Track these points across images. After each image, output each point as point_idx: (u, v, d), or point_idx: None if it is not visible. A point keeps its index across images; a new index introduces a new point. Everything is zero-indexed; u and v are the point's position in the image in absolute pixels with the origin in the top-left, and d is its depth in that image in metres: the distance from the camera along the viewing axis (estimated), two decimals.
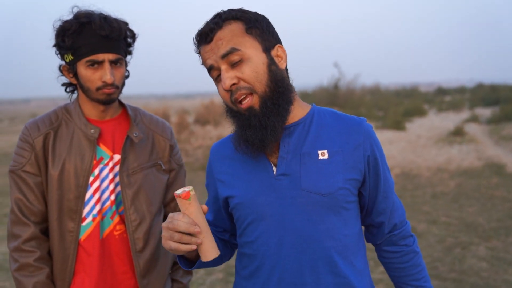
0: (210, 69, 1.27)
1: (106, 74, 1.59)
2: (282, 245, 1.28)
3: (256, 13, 1.29)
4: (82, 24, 1.57)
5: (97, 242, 1.65)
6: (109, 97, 1.64)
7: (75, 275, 1.66)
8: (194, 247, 1.19)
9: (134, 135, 1.70)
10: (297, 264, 1.27)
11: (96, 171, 1.66)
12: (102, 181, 1.67)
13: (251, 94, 1.24)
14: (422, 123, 14.62)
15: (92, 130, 1.65)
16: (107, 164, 1.68)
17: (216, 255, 1.23)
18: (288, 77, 1.32)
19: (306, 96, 26.84)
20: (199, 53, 1.30)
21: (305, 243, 1.27)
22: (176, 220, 1.18)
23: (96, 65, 1.60)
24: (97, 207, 1.65)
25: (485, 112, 18.94)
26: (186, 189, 1.20)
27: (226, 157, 1.39)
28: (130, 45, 1.71)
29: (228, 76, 1.23)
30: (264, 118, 1.24)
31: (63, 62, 1.68)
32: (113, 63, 1.62)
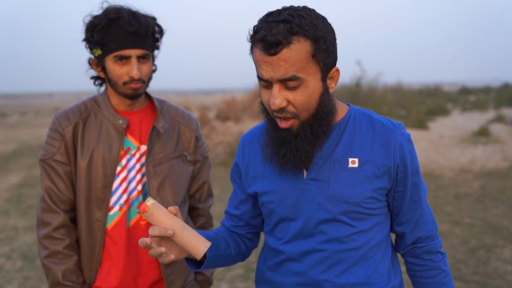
0: (261, 78, 1.22)
1: (133, 70, 1.61)
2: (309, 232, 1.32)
3: (326, 26, 1.22)
4: (110, 20, 1.60)
5: (124, 232, 1.68)
6: (135, 92, 1.66)
7: (102, 264, 1.69)
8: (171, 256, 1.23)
9: (160, 125, 1.72)
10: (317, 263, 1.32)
11: (124, 161, 1.69)
12: (129, 171, 1.69)
13: (294, 117, 1.24)
14: (445, 123, 14.39)
15: (121, 121, 1.68)
16: (134, 155, 1.71)
17: (206, 248, 1.24)
18: (332, 98, 1.30)
19: None
20: (251, 49, 1.24)
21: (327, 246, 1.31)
22: (149, 233, 1.21)
23: (123, 60, 1.62)
24: (124, 197, 1.68)
25: (511, 112, 18.56)
26: (149, 202, 1.21)
27: (257, 152, 1.40)
28: (157, 40, 1.73)
29: (280, 97, 1.20)
30: (298, 142, 1.25)
31: (92, 56, 1.70)
32: (141, 58, 1.64)
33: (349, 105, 1.37)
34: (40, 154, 1.69)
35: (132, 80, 1.63)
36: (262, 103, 1.29)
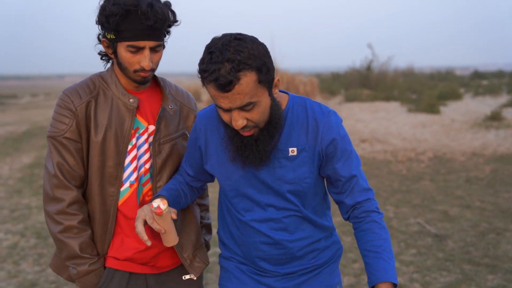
0: (221, 107, 1.42)
1: (146, 61, 1.63)
2: (257, 205, 1.63)
3: (260, 50, 1.40)
4: (128, 10, 1.57)
5: (135, 207, 1.73)
6: (144, 79, 1.69)
7: (114, 237, 1.74)
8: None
9: (170, 107, 1.76)
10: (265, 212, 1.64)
11: (134, 140, 1.72)
12: (138, 150, 1.73)
13: (254, 127, 1.48)
14: (457, 107, 14.26)
15: (131, 100, 1.70)
16: (142, 134, 1.74)
17: (175, 243, 1.60)
18: (277, 101, 1.52)
19: (338, 78, 26.54)
20: (204, 84, 1.42)
21: (269, 209, 1.63)
22: (150, 223, 1.52)
23: (136, 49, 1.62)
24: (134, 174, 1.73)
25: None
26: (161, 205, 1.48)
27: (214, 136, 1.64)
28: (170, 28, 1.73)
29: (240, 119, 1.42)
30: (259, 144, 1.50)
31: (101, 33, 1.69)
32: (153, 48, 1.65)
33: (287, 93, 1.59)
34: (49, 130, 1.68)
35: (143, 69, 1.65)
36: (223, 121, 1.51)
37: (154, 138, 1.74)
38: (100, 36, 1.70)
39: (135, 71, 1.65)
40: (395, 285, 1.52)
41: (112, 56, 1.69)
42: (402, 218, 5.30)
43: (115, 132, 1.68)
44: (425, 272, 3.93)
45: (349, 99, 17.06)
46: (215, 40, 1.40)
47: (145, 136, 1.75)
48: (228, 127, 1.52)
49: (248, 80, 1.36)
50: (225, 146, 1.58)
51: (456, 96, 17.82)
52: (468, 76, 36.23)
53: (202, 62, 1.39)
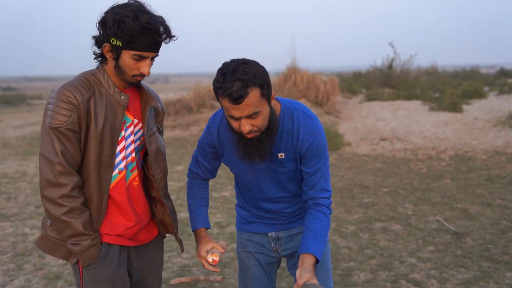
0: (232, 116, 1.81)
1: (146, 69, 1.89)
2: (262, 190, 2.12)
3: (262, 71, 1.79)
4: (144, 27, 1.81)
5: (124, 190, 1.99)
6: (138, 82, 1.98)
7: (105, 216, 1.98)
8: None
9: (158, 105, 2.08)
10: (268, 195, 2.13)
11: (123, 132, 1.97)
12: (126, 140, 1.98)
13: (257, 132, 1.87)
14: (480, 106, 14.03)
15: (123, 97, 1.95)
16: (129, 127, 1.99)
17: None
18: (276, 115, 1.94)
19: (359, 77, 26.32)
20: (218, 98, 1.79)
21: (272, 188, 2.10)
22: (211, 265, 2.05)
23: (140, 58, 1.87)
24: (123, 162, 1.98)
25: None
26: (215, 259, 2.01)
27: (225, 137, 2.04)
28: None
29: (247, 125, 1.82)
30: (261, 144, 1.90)
31: (98, 35, 1.89)
32: (152, 58, 1.91)
33: (279, 101, 1.97)
34: (49, 122, 1.84)
35: (142, 75, 1.91)
36: (231, 126, 1.89)
37: (144, 130, 2.01)
38: (101, 39, 1.89)
39: (134, 75, 1.91)
40: (317, 260, 1.90)
41: (111, 58, 1.90)
42: (421, 215, 5.29)
43: (110, 125, 1.91)
44: (443, 268, 3.92)
45: (370, 98, 16.94)
46: (226, 64, 1.78)
47: (131, 128, 2.00)
48: (236, 132, 1.90)
49: (254, 94, 1.75)
50: (234, 148, 1.98)
51: (480, 95, 17.53)
52: (494, 75, 35.57)
53: (217, 82, 1.77)
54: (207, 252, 2.05)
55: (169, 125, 12.52)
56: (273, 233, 2.19)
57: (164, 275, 3.94)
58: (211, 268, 2.02)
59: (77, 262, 1.93)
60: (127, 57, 1.86)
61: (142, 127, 2.03)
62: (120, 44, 1.83)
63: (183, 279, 3.84)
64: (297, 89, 14.88)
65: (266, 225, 2.19)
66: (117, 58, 1.88)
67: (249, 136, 1.86)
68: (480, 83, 20.98)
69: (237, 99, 1.73)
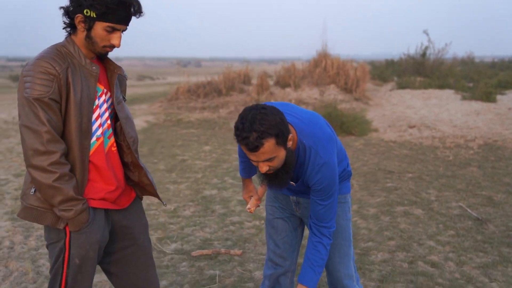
0: (250, 159, 2.00)
1: (117, 41, 1.98)
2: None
3: (277, 119, 1.92)
4: (122, 2, 1.91)
5: (103, 156, 2.07)
6: (106, 53, 2.06)
7: (88, 182, 2.05)
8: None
9: (124, 74, 2.18)
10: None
11: (96, 101, 2.05)
12: (100, 109, 2.07)
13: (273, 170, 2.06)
14: None
15: (94, 68, 2.02)
16: (101, 96, 2.08)
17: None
18: (294, 152, 2.09)
19: (392, 65, 25.94)
20: (238, 142, 1.95)
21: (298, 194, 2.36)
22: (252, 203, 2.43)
23: (112, 30, 1.95)
24: (100, 130, 2.06)
25: None
26: (250, 209, 2.39)
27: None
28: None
29: (264, 167, 1.99)
30: (278, 178, 2.09)
31: (69, 6, 1.95)
32: (123, 31, 2.00)
33: (297, 134, 2.08)
34: (29, 93, 1.88)
35: (113, 46, 1.99)
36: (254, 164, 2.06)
37: (113, 99, 2.09)
38: (71, 9, 1.95)
39: (104, 46, 1.98)
40: None
41: (82, 28, 1.95)
42: (443, 201, 5.27)
43: (87, 94, 1.98)
44: (461, 252, 3.94)
45: (401, 86, 16.72)
46: (246, 112, 1.93)
47: (103, 97, 2.08)
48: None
49: (269, 144, 1.91)
50: (257, 171, 2.21)
51: None
52: None
53: (237, 129, 1.92)
54: (250, 197, 2.47)
55: (198, 106, 12.68)
56: (294, 197, 2.35)
57: (186, 247, 4.08)
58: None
59: (65, 227, 1.99)
60: (99, 28, 1.93)
61: (111, 96, 2.11)
62: (94, 15, 1.90)
63: (205, 252, 3.97)
64: (327, 74, 14.82)
65: (289, 190, 2.38)
66: (89, 29, 1.94)
67: (267, 173, 2.06)
68: None
69: (253, 149, 1.90)
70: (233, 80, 14.56)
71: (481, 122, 10.15)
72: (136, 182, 2.23)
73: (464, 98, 13.26)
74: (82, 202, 1.96)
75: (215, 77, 14.88)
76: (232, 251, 3.98)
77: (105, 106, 2.09)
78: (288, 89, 14.11)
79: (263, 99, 12.57)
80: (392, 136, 9.24)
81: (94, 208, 2.05)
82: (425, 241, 4.19)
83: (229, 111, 12.18)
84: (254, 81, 15.27)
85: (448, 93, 14.55)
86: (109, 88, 2.12)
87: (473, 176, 6.31)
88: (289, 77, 14.67)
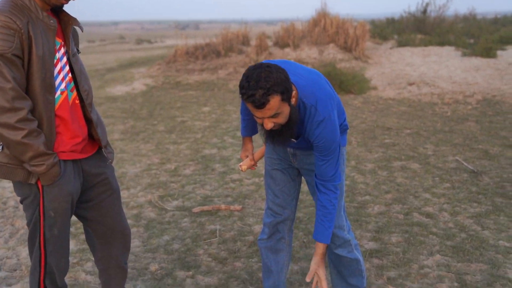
0: (255, 116, 2.02)
1: None
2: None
3: (282, 76, 1.95)
4: None
5: (68, 109, 2.07)
6: (62, 5, 2.03)
7: (56, 136, 2.05)
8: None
9: (80, 26, 2.14)
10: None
11: (57, 55, 2.02)
12: (61, 62, 2.05)
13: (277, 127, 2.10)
14: None
15: (52, 21, 1.98)
16: (60, 49, 2.05)
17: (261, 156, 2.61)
18: (297, 108, 2.11)
19: (392, 23, 25.55)
20: (243, 100, 1.97)
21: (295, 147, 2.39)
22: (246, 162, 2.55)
23: None
24: (63, 83, 2.06)
25: None
26: (242, 168, 2.51)
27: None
28: None
29: (269, 124, 2.03)
30: (282, 135, 2.12)
31: None
32: None
33: (298, 92, 2.10)
34: None
35: None
36: (257, 120, 2.10)
37: (68, 50, 2.07)
38: None
39: None
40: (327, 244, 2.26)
41: None
42: (440, 155, 5.34)
43: (48, 48, 1.95)
44: (456, 203, 4.03)
45: (401, 44, 16.54)
46: (251, 71, 1.95)
47: (62, 50, 2.06)
48: (260, 123, 2.12)
49: (275, 100, 1.94)
50: (259, 130, 2.25)
51: None
52: None
53: (242, 87, 1.95)
54: (246, 156, 2.56)
55: (197, 68, 12.63)
56: (291, 149, 2.41)
57: (187, 204, 4.18)
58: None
59: (36, 182, 2.00)
60: None
61: (67, 49, 2.09)
62: None
63: (205, 208, 4.07)
64: (326, 34, 14.67)
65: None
66: None
67: (272, 129, 2.10)
68: None
69: (259, 106, 1.94)
70: (232, 41, 14.42)
71: (480, 78, 10.12)
72: (89, 135, 2.23)
73: (464, 54, 13.15)
74: (53, 156, 1.98)
75: (213, 39, 14.75)
76: (232, 207, 4.07)
77: (64, 59, 2.07)
78: (287, 49, 14.00)
79: (262, 60, 12.49)
80: (391, 94, 9.24)
81: (64, 161, 2.07)
82: (421, 193, 4.28)
83: (228, 72, 12.14)
84: (253, 42, 15.13)
85: (448, 50, 14.42)
86: (65, 41, 2.09)
87: (470, 130, 6.36)
88: (288, 37, 14.52)
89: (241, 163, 2.51)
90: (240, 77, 11.56)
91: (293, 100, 2.06)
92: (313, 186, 2.43)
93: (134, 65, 15.12)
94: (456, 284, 2.85)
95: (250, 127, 2.54)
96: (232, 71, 12.14)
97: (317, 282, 2.31)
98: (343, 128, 2.41)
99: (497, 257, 3.13)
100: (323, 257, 2.28)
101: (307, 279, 2.26)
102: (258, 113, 1.99)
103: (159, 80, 11.74)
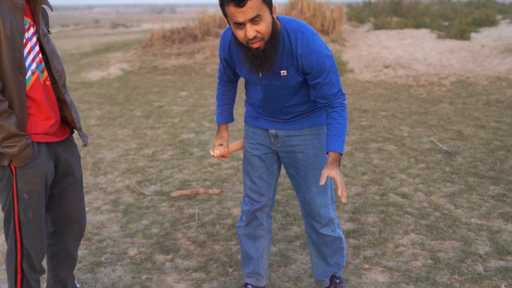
0: (237, 23, 1.97)
1: None
2: (267, 100, 2.33)
3: None
4: None
5: (40, 90, 2.04)
6: None
7: (28, 118, 2.02)
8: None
9: (49, 5, 2.11)
10: (271, 104, 2.35)
11: (26, 35, 1.98)
12: (30, 42, 2.01)
13: (261, 40, 2.02)
14: (489, 33, 13.78)
15: (20, 0, 1.93)
16: (29, 28, 2.01)
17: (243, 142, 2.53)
18: (275, 21, 2.06)
19: (369, 5, 25.66)
20: (223, 7, 1.96)
21: (275, 100, 2.32)
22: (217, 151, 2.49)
23: None
24: (34, 64, 2.02)
25: None
26: (214, 154, 2.47)
27: (235, 55, 2.26)
28: None
29: (252, 30, 1.97)
30: (266, 54, 2.05)
31: None
32: None
33: (280, 20, 2.09)
34: None
35: None
36: (238, 40, 2.05)
37: (38, 31, 2.03)
38: None
39: None
40: (341, 154, 2.19)
41: None
42: (415, 137, 5.44)
43: (16, 27, 1.91)
44: (430, 183, 4.12)
45: (378, 27, 16.63)
46: None
47: (32, 30, 2.01)
48: (242, 46, 2.06)
49: None
50: (243, 63, 2.18)
51: (491, 23, 17.13)
52: (510, 3, 34.39)
53: None
54: (220, 145, 2.52)
55: (174, 53, 12.50)
56: (273, 130, 2.41)
57: (166, 189, 4.18)
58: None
59: (9, 163, 1.99)
60: None
61: (37, 28, 2.06)
62: None
63: (184, 192, 4.08)
64: (303, 17, 14.63)
65: (268, 121, 2.42)
66: None
67: (255, 46, 2.01)
68: (493, 11, 20.43)
69: (241, 2, 1.90)
70: (209, 25, 14.28)
71: (454, 60, 10.27)
72: (63, 116, 2.20)
73: (439, 37, 13.30)
74: (26, 137, 1.96)
75: (190, 23, 14.59)
76: (210, 191, 4.09)
77: (34, 39, 2.04)
78: None
79: None
80: (367, 76, 9.32)
81: (38, 143, 2.05)
82: (396, 174, 4.36)
83: (205, 56, 12.05)
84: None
85: (423, 32, 14.56)
86: (34, 20, 2.05)
87: (445, 112, 6.47)
88: None
89: (214, 148, 2.49)
90: (217, 60, 11.50)
91: (274, 14, 2.04)
92: (295, 179, 2.45)
93: (110, 50, 14.88)
94: (430, 261, 2.93)
95: (226, 113, 2.53)
96: (209, 55, 12.05)
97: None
98: None
99: (469, 234, 3.23)
100: (334, 162, 2.17)
101: (321, 183, 2.15)
102: (239, 16, 1.94)
103: (135, 65, 11.60)
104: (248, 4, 1.91)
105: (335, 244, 2.52)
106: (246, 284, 2.63)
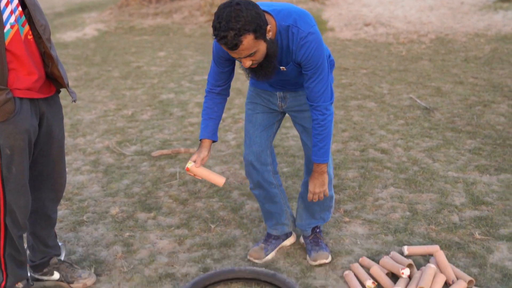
0: (232, 56, 2.05)
1: None
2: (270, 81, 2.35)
3: (254, 13, 1.89)
4: None
5: (21, 44, 2.00)
6: None
7: (9, 73, 1.99)
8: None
9: None
10: (277, 83, 2.38)
11: None
12: None
13: (256, 63, 2.06)
14: None
15: None
16: None
17: (223, 181, 2.24)
18: (274, 41, 2.07)
19: None
20: (217, 42, 1.94)
21: (282, 80, 2.34)
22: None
23: None
24: (13, 17, 1.97)
25: None
26: (187, 166, 2.23)
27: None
28: None
29: (247, 62, 2.01)
30: (263, 69, 2.09)
31: None
32: None
33: (275, 20, 2.06)
34: None
35: None
36: (241, 65, 2.11)
37: None
38: None
39: None
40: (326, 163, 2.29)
41: None
42: (395, 94, 5.47)
43: None
44: (409, 138, 4.17)
45: None
46: (221, 9, 1.88)
47: None
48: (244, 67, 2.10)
49: (248, 40, 1.90)
50: (240, 67, 2.18)
51: None
52: None
53: (214, 29, 1.90)
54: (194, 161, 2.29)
55: (151, 12, 12.20)
56: (281, 92, 2.42)
57: (146, 149, 4.16)
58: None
59: None
60: None
61: None
62: None
63: (164, 151, 4.06)
64: None
65: (275, 88, 2.43)
66: None
67: (252, 66, 2.06)
68: None
69: (232, 48, 1.91)
70: None
71: (434, 17, 10.24)
72: (49, 73, 2.16)
73: None
74: (6, 92, 1.95)
75: None
76: (191, 150, 4.08)
77: None
78: None
79: (218, 2, 12.17)
80: (347, 35, 9.26)
81: (21, 98, 2.03)
82: (376, 131, 4.40)
83: (183, 16, 11.79)
84: None
85: None
86: None
87: (424, 69, 6.50)
88: None
89: (190, 163, 2.26)
90: (195, 21, 11.28)
91: (269, 34, 2.01)
92: (301, 136, 2.50)
93: (85, 10, 14.45)
94: (408, 213, 3.00)
95: (211, 128, 2.35)
96: (187, 15, 11.79)
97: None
98: (330, 64, 2.43)
99: (446, 187, 3.30)
100: (316, 175, 2.31)
101: (309, 199, 2.37)
102: (234, 54, 1.97)
103: (111, 25, 11.31)
104: (240, 47, 1.91)
105: (326, 202, 2.57)
106: (268, 234, 2.70)
